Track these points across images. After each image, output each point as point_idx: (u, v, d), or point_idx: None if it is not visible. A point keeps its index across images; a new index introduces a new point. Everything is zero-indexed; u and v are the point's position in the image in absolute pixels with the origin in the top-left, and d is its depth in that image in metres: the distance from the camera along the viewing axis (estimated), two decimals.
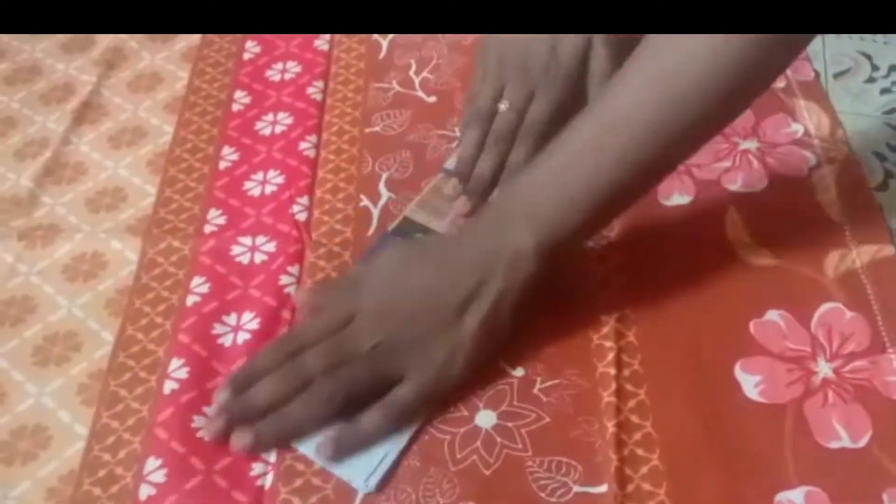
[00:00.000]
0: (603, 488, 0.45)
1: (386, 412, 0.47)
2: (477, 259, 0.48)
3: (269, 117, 0.66)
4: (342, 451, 0.46)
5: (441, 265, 0.49)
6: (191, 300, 0.54)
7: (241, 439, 0.46)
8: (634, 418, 0.48)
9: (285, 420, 0.47)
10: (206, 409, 0.49)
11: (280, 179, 0.61)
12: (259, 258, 0.57)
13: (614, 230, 0.56)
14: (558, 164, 0.49)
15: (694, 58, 0.46)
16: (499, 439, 0.47)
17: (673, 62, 0.47)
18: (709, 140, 0.51)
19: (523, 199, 0.49)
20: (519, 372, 0.50)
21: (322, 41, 0.72)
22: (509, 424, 0.48)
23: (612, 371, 0.50)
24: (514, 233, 0.48)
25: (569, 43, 0.59)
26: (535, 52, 0.59)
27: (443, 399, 0.48)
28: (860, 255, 0.54)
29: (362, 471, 0.46)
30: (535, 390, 0.49)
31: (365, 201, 0.60)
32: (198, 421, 0.48)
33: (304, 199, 0.60)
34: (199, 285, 0.55)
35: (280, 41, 0.72)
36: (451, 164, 0.61)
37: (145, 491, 0.46)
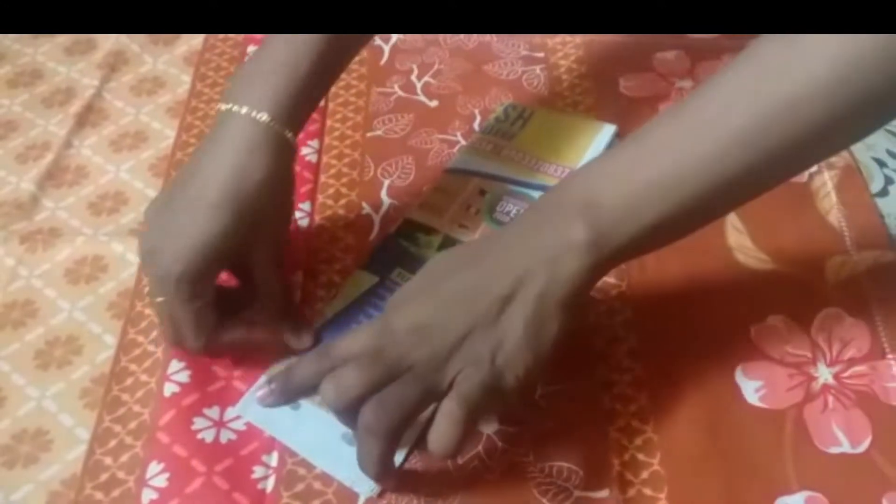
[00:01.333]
0: (604, 493, 0.45)
1: (450, 414, 0.42)
2: (517, 254, 0.43)
3: None
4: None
5: (475, 265, 0.44)
6: None
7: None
8: (635, 423, 0.48)
9: (365, 462, 0.43)
10: (206, 411, 0.49)
11: None
12: None
13: None
14: (629, 158, 0.44)
15: (806, 63, 0.40)
16: (500, 444, 0.47)
17: (778, 64, 0.41)
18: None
19: (584, 186, 0.44)
20: None
21: None
22: (511, 430, 0.48)
23: (614, 376, 0.50)
24: (567, 223, 0.43)
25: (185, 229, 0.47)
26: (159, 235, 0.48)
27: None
28: (860, 260, 0.55)
29: (365, 476, 0.46)
30: (537, 396, 0.49)
31: (367, 209, 0.60)
32: (199, 423, 0.48)
33: (306, 205, 0.60)
34: None
35: None
36: (453, 162, 0.62)
37: (147, 495, 0.46)
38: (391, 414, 0.42)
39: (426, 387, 0.42)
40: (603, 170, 0.44)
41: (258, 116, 0.47)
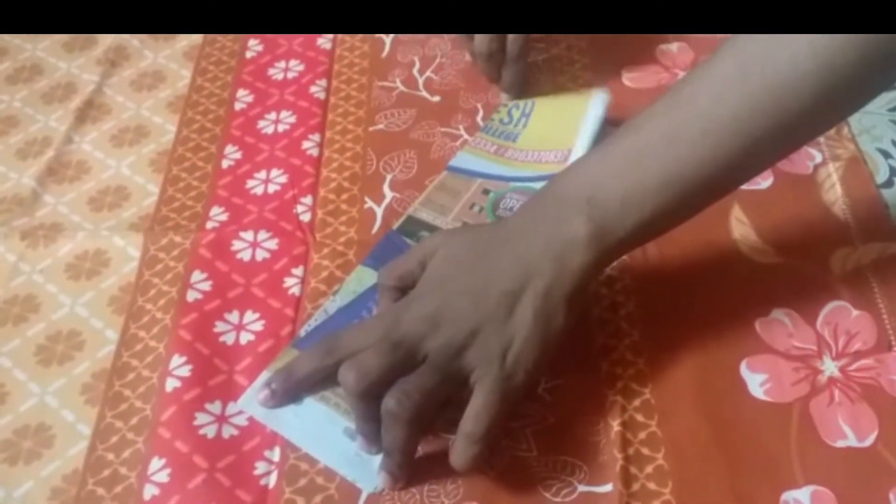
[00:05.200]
0: (608, 487, 0.45)
1: (470, 435, 0.43)
2: (522, 250, 0.45)
3: (272, 116, 0.66)
4: None
5: (480, 261, 0.46)
6: (191, 296, 0.54)
7: (382, 482, 0.45)
8: (639, 417, 0.48)
9: (392, 456, 0.44)
10: (208, 406, 0.49)
11: (283, 178, 0.61)
12: (261, 255, 0.56)
13: None
14: (628, 151, 0.45)
15: (789, 48, 0.42)
16: (503, 439, 0.47)
17: (764, 52, 0.42)
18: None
19: (587, 180, 0.45)
20: None
21: (325, 39, 0.72)
22: (514, 424, 0.47)
23: (617, 370, 0.49)
24: (570, 217, 0.45)
25: None
26: None
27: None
28: (866, 252, 0.54)
29: (367, 471, 0.46)
30: (540, 390, 0.49)
31: (369, 203, 0.59)
32: (200, 418, 0.48)
33: (308, 199, 0.60)
34: (200, 281, 0.55)
35: (282, 39, 0.72)
36: (456, 161, 0.61)
37: (149, 491, 0.45)
38: (414, 400, 0.43)
39: (444, 376, 0.44)
40: (602, 165, 0.46)
41: None
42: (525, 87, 0.66)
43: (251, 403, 0.49)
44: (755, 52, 0.43)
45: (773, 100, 0.43)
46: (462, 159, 0.61)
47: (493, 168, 0.60)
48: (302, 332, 0.52)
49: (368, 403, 0.44)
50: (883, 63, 0.42)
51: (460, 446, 0.43)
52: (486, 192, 0.59)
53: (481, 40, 0.63)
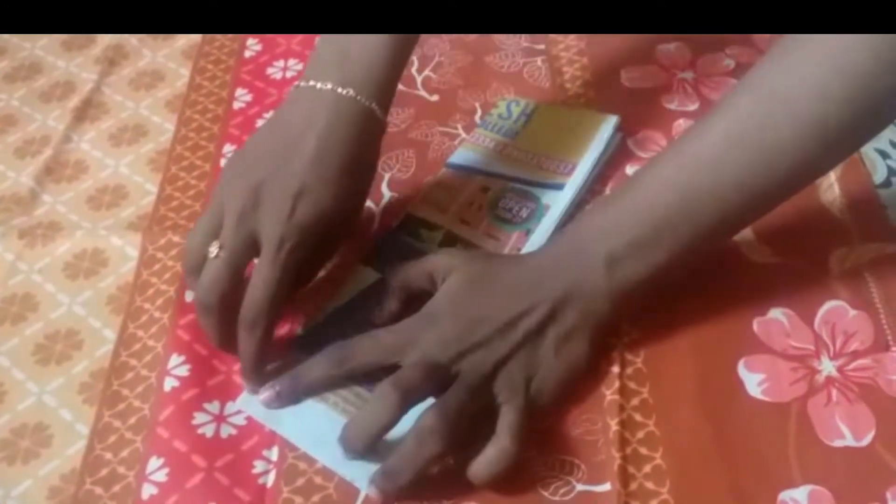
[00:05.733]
0: (606, 487, 0.45)
1: (505, 451, 0.44)
2: (549, 291, 0.47)
3: (271, 115, 0.66)
4: None
5: (511, 293, 0.48)
6: (190, 295, 0.54)
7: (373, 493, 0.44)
8: (637, 416, 0.48)
9: (404, 471, 0.43)
10: (206, 406, 0.49)
11: None
12: None
13: None
14: (639, 204, 0.48)
15: (798, 93, 0.44)
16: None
17: (762, 111, 0.45)
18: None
19: (602, 239, 0.48)
20: None
21: None
22: None
23: (616, 369, 0.49)
24: (590, 274, 0.47)
25: (311, 197, 0.48)
26: (268, 195, 0.47)
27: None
28: (864, 252, 0.54)
29: (366, 471, 0.46)
30: None
31: (367, 202, 0.59)
32: (199, 418, 0.48)
33: None
34: None
35: (281, 39, 0.72)
36: (455, 158, 0.61)
37: (148, 490, 0.45)
38: (457, 418, 0.43)
39: (477, 396, 0.45)
40: (615, 218, 0.48)
41: (344, 92, 0.49)
42: (524, 90, 0.66)
43: (250, 403, 0.49)
44: (754, 114, 0.46)
45: (776, 158, 0.45)
46: (461, 155, 0.61)
47: (492, 164, 0.60)
48: (300, 331, 0.52)
49: (398, 417, 0.44)
50: (865, 132, 0.47)
51: (493, 458, 0.44)
52: (484, 189, 0.59)
53: (201, 285, 0.47)
